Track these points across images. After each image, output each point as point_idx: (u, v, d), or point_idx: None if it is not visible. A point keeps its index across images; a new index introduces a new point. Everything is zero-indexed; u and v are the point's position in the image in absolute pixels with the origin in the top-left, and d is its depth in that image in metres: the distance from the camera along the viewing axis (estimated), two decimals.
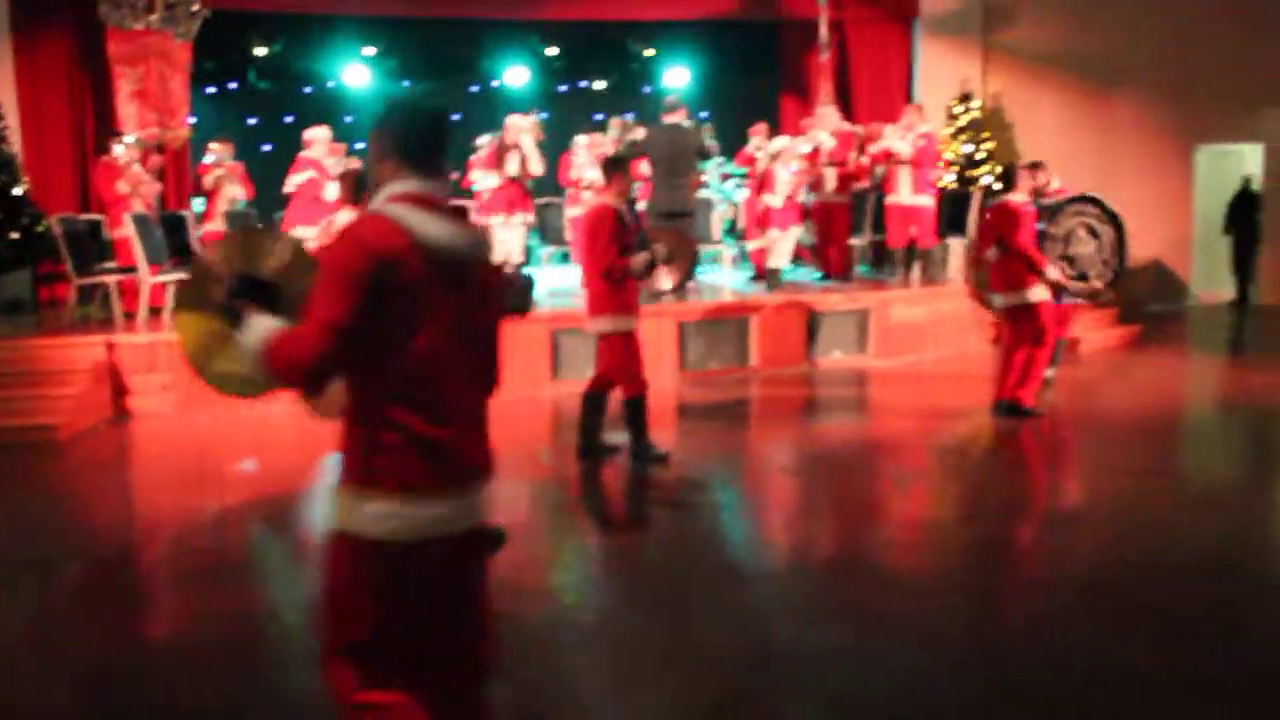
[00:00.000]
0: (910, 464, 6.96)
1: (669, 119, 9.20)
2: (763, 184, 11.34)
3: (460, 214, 2.69)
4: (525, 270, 6.33)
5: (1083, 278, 7.59)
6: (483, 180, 11.68)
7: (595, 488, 6.53)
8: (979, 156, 13.48)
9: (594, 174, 11.34)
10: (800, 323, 9.94)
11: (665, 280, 7.00)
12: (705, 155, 9.41)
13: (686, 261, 7.01)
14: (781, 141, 11.67)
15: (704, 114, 14.60)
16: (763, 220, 11.30)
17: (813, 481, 6.75)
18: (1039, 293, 7.49)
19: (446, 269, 2.45)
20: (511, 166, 10.99)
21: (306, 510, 6.24)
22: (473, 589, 2.62)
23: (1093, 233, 7.61)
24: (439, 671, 2.57)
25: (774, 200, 11.36)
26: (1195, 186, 13.95)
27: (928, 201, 11.01)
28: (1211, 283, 13.92)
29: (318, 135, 10.86)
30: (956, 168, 13.40)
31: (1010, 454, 7.17)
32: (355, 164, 11.32)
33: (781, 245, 11.22)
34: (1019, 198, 7.55)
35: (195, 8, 11.53)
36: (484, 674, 2.67)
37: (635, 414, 6.56)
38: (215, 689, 3.82)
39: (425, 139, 2.56)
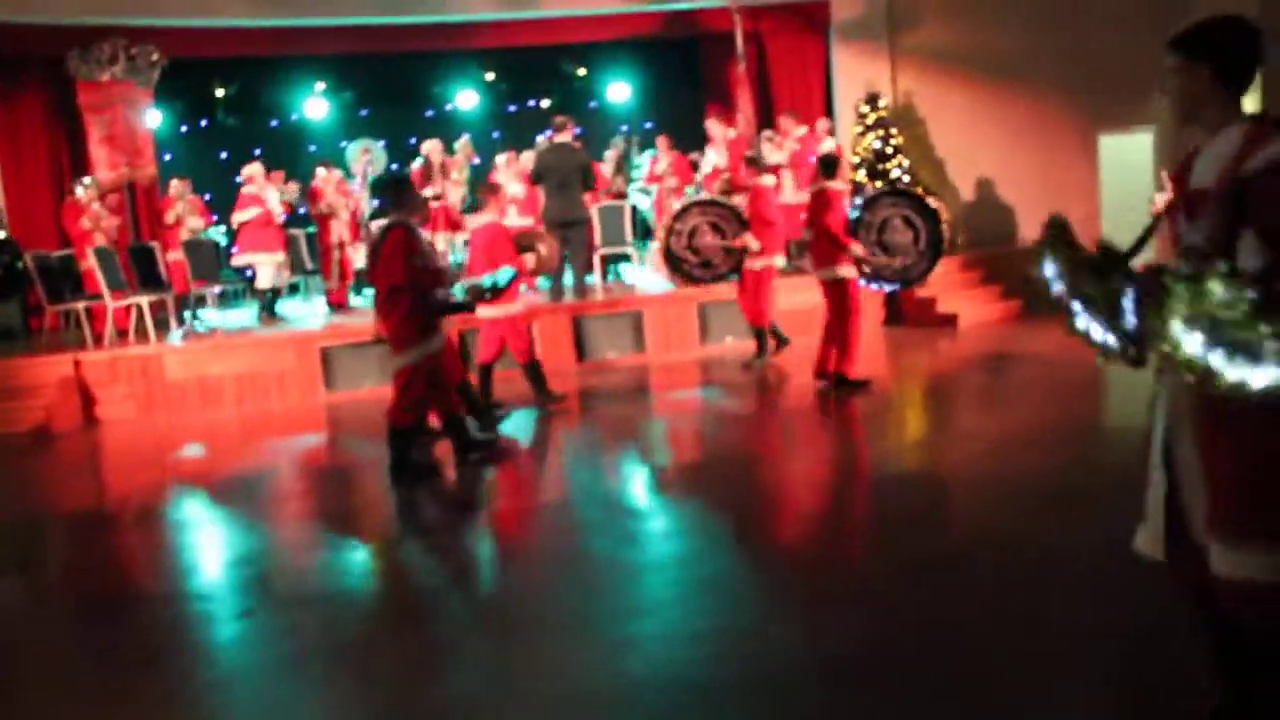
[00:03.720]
0: (752, 422, 8.07)
1: (558, 138, 10.30)
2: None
3: None
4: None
5: (894, 259, 8.56)
6: None
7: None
8: (888, 152, 14.55)
9: (517, 189, 12.50)
10: (692, 313, 11.00)
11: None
12: (589, 173, 10.42)
13: (554, 261, 8.14)
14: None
15: (624, 127, 15.73)
16: None
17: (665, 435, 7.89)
18: (848, 270, 8.41)
19: None
20: (435, 188, 12.17)
21: (229, 476, 7.44)
22: None
23: (910, 224, 8.59)
24: None
25: None
26: (1101, 173, 14.91)
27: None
28: None
29: (254, 171, 11.99)
30: (866, 164, 14.48)
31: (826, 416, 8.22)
32: (293, 188, 12.60)
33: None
34: (837, 185, 8.43)
35: (154, 57, 12.84)
36: None
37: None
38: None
39: None
